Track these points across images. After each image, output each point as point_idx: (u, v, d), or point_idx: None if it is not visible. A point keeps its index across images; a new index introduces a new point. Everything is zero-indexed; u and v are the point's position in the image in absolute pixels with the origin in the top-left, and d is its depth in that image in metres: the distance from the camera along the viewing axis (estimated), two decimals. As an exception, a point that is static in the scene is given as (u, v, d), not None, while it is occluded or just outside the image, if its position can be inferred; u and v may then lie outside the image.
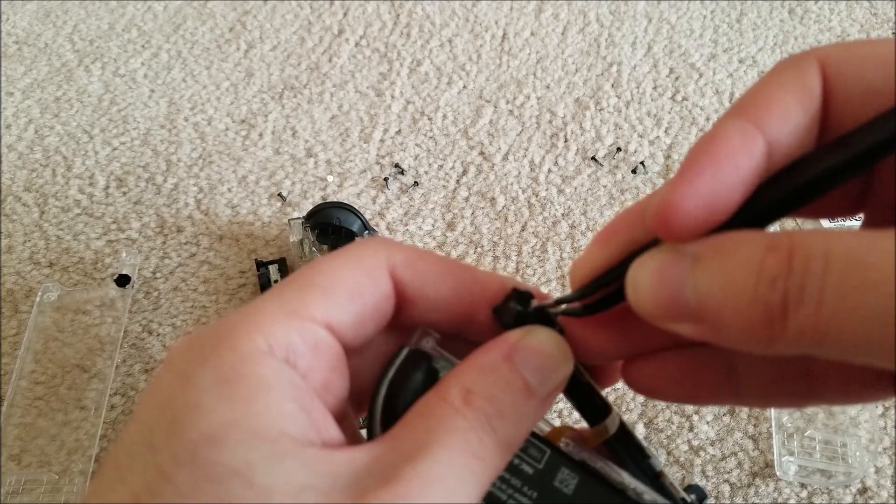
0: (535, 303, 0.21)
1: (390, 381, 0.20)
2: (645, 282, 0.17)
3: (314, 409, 0.18)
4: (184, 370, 0.17)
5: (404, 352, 0.20)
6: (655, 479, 0.21)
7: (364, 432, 0.20)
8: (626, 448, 0.21)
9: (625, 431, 0.22)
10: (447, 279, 0.21)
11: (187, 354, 0.18)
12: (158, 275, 0.54)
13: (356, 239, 0.53)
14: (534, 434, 0.21)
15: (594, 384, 0.22)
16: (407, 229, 0.57)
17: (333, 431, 0.18)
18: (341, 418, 0.19)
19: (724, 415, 0.47)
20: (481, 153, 0.62)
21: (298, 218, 0.54)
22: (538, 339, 0.20)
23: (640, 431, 0.46)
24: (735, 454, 0.45)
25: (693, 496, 0.21)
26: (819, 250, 0.14)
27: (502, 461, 0.19)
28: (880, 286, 0.13)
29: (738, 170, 0.16)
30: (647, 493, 0.20)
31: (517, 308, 0.20)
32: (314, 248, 0.52)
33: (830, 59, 0.18)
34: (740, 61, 0.71)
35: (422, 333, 0.21)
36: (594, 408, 0.21)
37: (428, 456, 0.17)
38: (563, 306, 0.21)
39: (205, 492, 0.15)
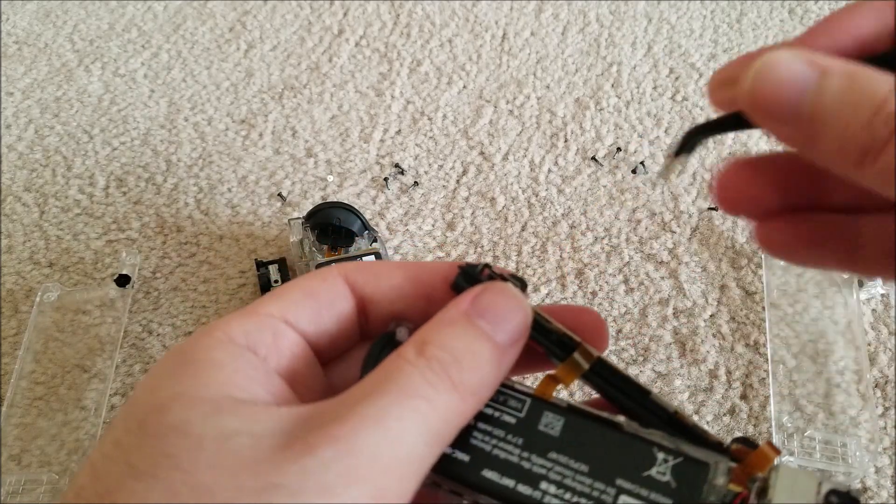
0: (484, 270, 0.21)
1: (363, 363, 0.20)
2: (772, 68, 0.18)
3: (270, 382, 0.19)
4: (150, 371, 0.19)
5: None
6: (671, 420, 0.20)
7: None
8: (616, 386, 0.21)
9: (607, 367, 0.21)
10: (397, 270, 0.22)
11: (157, 362, 0.20)
12: (158, 275, 0.54)
13: (356, 240, 0.53)
14: (514, 388, 0.20)
15: (555, 322, 0.21)
16: (407, 229, 0.57)
17: (295, 402, 0.19)
18: None
19: (724, 415, 0.47)
20: (481, 153, 0.62)
21: (298, 218, 0.54)
22: (493, 290, 0.20)
23: (640, 431, 0.46)
24: (735, 454, 0.45)
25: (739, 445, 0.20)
26: None
27: (462, 406, 0.19)
28: None
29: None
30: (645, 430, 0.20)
31: (471, 275, 0.21)
32: (314, 248, 0.52)
33: None
34: (740, 61, 0.71)
35: (396, 323, 0.22)
36: (558, 343, 0.21)
37: (366, 401, 0.17)
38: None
39: (145, 446, 0.17)
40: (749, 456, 0.19)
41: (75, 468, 0.44)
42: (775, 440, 0.45)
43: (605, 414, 0.20)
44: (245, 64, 0.70)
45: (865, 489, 0.44)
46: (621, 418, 0.20)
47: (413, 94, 0.67)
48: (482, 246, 0.56)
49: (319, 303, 0.21)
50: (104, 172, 0.60)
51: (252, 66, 0.70)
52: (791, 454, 0.44)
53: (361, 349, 0.23)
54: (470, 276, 0.21)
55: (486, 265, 0.21)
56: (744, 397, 0.47)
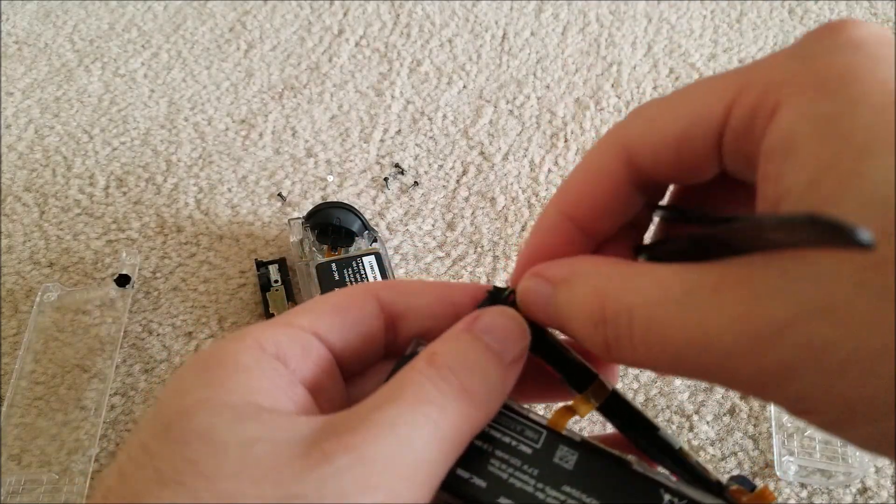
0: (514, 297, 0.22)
1: (385, 382, 0.21)
2: (524, 297, 0.21)
3: (294, 392, 0.19)
4: (178, 373, 0.19)
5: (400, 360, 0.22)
6: (675, 456, 0.21)
7: None
8: (627, 419, 0.22)
9: (620, 401, 0.22)
10: (429, 290, 0.23)
11: (185, 363, 0.20)
12: (158, 275, 0.54)
13: (356, 240, 0.53)
14: (531, 419, 0.21)
15: (575, 353, 0.22)
16: (407, 229, 0.57)
17: (316, 412, 0.20)
18: None
19: (724, 415, 0.47)
20: (481, 153, 0.62)
21: (298, 218, 0.54)
22: (493, 311, 0.22)
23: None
24: (735, 454, 0.45)
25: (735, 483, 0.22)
26: (624, 305, 0.18)
27: (472, 412, 0.19)
28: (674, 338, 0.16)
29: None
30: (653, 468, 0.21)
31: (497, 298, 0.22)
32: (314, 248, 0.52)
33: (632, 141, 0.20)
34: (740, 61, 0.71)
35: (416, 343, 0.22)
36: (576, 374, 0.22)
37: (379, 409, 0.18)
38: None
39: (172, 452, 0.17)
40: (746, 497, 0.20)
41: (75, 468, 0.44)
42: (775, 440, 0.45)
43: (616, 452, 0.21)
44: (245, 64, 0.70)
45: (865, 489, 0.44)
46: (631, 457, 0.21)
47: (413, 94, 0.67)
48: (482, 246, 0.56)
49: (349, 319, 0.22)
50: (104, 172, 0.60)
51: (252, 66, 0.70)
52: (791, 454, 0.44)
53: (383, 364, 0.23)
54: (496, 300, 0.22)
55: (513, 291, 0.22)
56: (744, 397, 0.47)
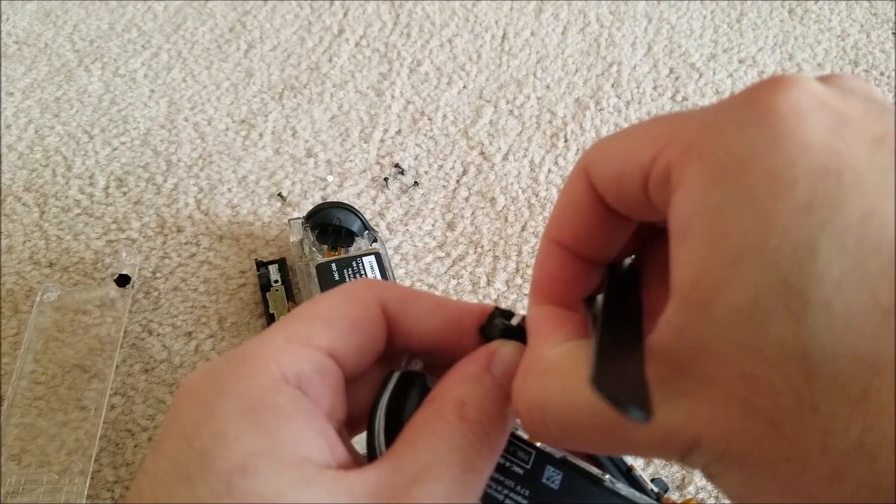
0: (516, 319, 0.23)
1: (388, 402, 0.21)
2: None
3: (327, 432, 0.20)
4: (206, 402, 0.19)
5: (396, 375, 0.22)
6: (627, 472, 0.25)
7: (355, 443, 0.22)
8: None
9: None
10: (437, 314, 0.23)
11: (206, 386, 0.19)
12: (158, 275, 0.54)
13: (356, 240, 0.53)
14: (519, 438, 0.23)
15: None
16: (407, 229, 0.57)
17: (344, 452, 0.20)
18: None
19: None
20: (481, 153, 0.62)
21: (298, 218, 0.54)
22: (508, 349, 0.22)
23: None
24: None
25: (658, 489, 0.28)
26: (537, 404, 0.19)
27: (493, 465, 0.21)
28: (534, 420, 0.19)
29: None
30: (621, 483, 0.23)
31: (503, 322, 0.22)
32: (314, 248, 0.52)
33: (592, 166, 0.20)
34: (740, 61, 0.71)
35: (410, 358, 0.23)
36: None
37: (432, 478, 0.19)
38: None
39: None
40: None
41: (75, 468, 0.44)
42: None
43: (593, 470, 0.23)
44: (245, 64, 0.70)
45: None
46: (606, 476, 0.22)
47: (413, 94, 0.67)
48: (482, 246, 0.56)
49: (363, 337, 0.22)
50: (104, 172, 0.60)
51: (252, 66, 0.70)
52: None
53: (371, 372, 0.24)
54: (507, 329, 0.23)
55: (522, 318, 0.23)
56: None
